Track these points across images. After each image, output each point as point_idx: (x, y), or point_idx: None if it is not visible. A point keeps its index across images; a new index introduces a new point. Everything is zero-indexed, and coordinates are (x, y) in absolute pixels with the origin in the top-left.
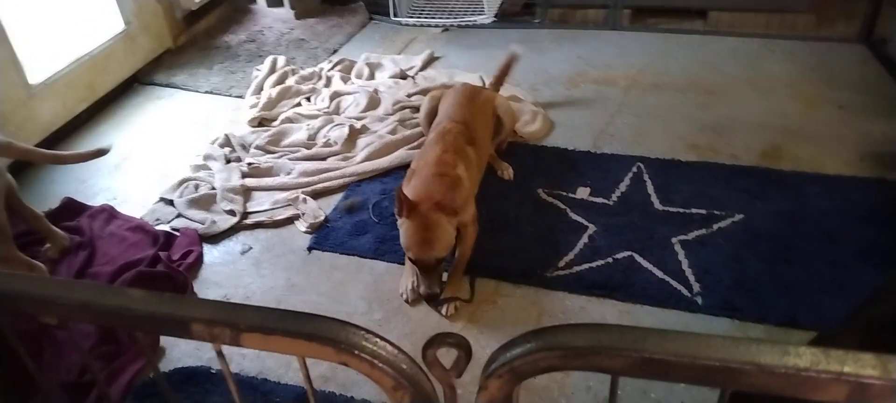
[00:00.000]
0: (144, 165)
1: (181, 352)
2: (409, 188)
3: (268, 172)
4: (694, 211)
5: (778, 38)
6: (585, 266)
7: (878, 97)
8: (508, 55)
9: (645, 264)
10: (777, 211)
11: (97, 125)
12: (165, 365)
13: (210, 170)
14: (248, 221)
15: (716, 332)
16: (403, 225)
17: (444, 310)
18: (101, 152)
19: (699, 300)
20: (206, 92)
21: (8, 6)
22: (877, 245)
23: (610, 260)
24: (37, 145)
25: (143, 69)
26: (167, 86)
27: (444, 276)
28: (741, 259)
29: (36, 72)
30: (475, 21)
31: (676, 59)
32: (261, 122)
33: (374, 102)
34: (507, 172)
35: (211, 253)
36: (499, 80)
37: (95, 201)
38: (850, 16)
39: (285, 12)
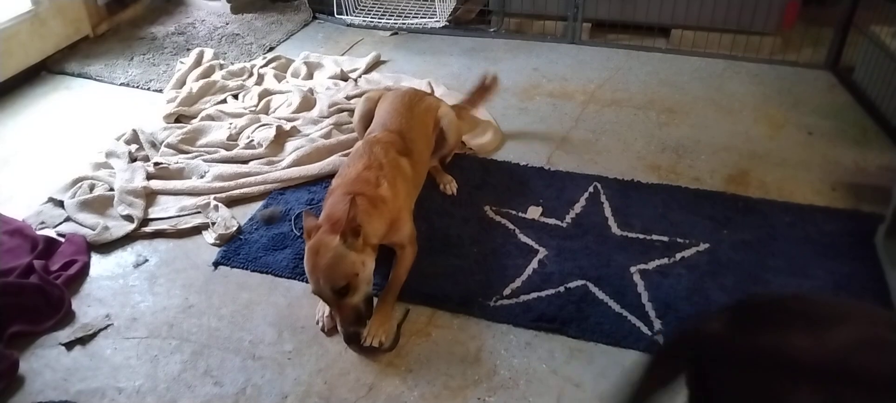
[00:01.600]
0: (38, 161)
1: (44, 382)
2: (324, 208)
3: (178, 174)
4: (655, 237)
5: (743, 60)
6: (534, 295)
7: (847, 125)
8: (488, 77)
9: (600, 295)
10: (744, 241)
11: None
12: (23, 398)
13: (111, 168)
14: (148, 229)
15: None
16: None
17: (365, 340)
18: None
19: (660, 339)
20: (123, 84)
21: None
22: (852, 280)
23: (561, 289)
24: None
25: (54, 56)
26: (79, 76)
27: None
28: (706, 293)
29: None
30: (426, 24)
31: (637, 75)
32: (178, 119)
33: (308, 103)
34: (451, 186)
35: (99, 264)
36: (473, 100)
37: None
38: (817, 42)
39: (221, 6)
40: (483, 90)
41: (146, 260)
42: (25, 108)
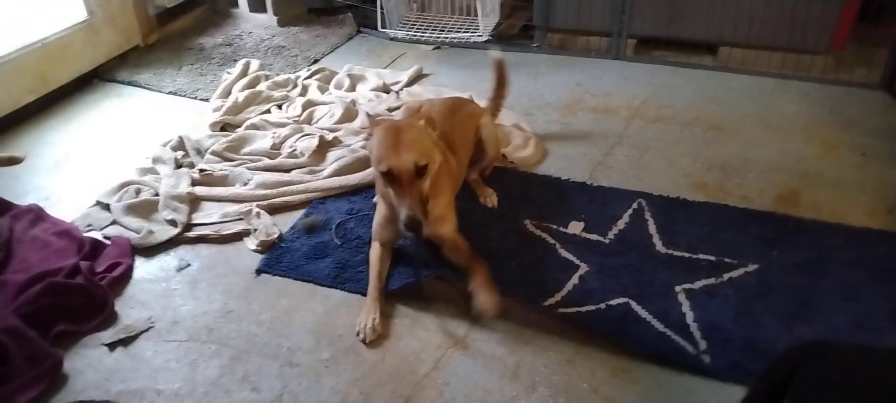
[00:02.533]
0: (87, 165)
1: (86, 382)
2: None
3: (221, 181)
4: (701, 257)
5: (793, 79)
6: (573, 310)
7: None
8: (495, 62)
9: (643, 314)
10: (795, 263)
11: (46, 119)
12: (65, 396)
13: (157, 174)
14: (191, 234)
15: (725, 399)
16: (373, 139)
17: (482, 306)
18: (13, 160)
19: (706, 359)
20: (170, 92)
21: None
22: None
23: (602, 305)
24: None
25: (106, 65)
26: (129, 84)
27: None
28: (754, 315)
29: None
30: (468, 39)
31: (683, 92)
32: (224, 127)
33: (350, 114)
34: (491, 199)
35: (143, 267)
36: (499, 94)
37: (25, 200)
38: (871, 62)
39: (268, 18)
40: (501, 78)
41: (188, 265)
42: (79, 114)
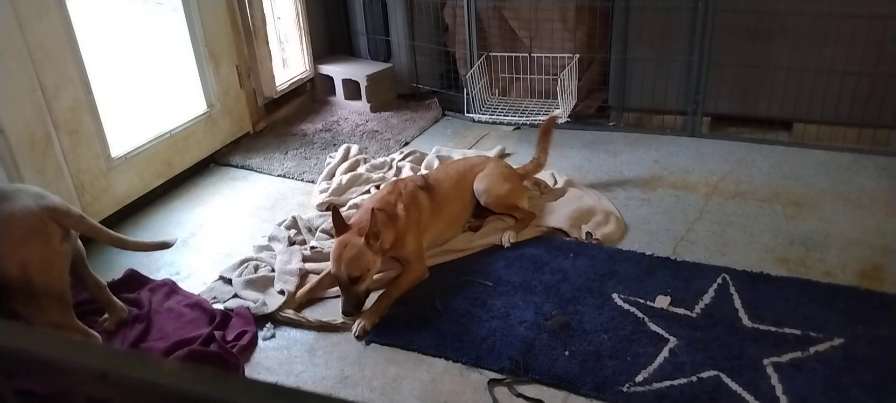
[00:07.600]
0: (210, 243)
1: None
2: (354, 216)
3: (329, 257)
4: (787, 330)
5: (870, 154)
6: (666, 383)
7: None
8: (548, 119)
9: (733, 387)
10: (882, 338)
11: (170, 201)
12: None
13: (272, 251)
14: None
15: None
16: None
17: (355, 323)
18: (165, 245)
19: None
20: (280, 175)
21: (100, 82)
22: None
23: (693, 378)
24: (111, 216)
25: (221, 150)
26: (242, 167)
27: None
28: (843, 388)
29: (119, 145)
30: None
31: (760, 168)
32: (329, 207)
33: None
34: (505, 238)
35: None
36: (542, 148)
37: (159, 275)
38: None
39: (362, 105)
40: (545, 133)
41: (273, 336)
42: (199, 196)
